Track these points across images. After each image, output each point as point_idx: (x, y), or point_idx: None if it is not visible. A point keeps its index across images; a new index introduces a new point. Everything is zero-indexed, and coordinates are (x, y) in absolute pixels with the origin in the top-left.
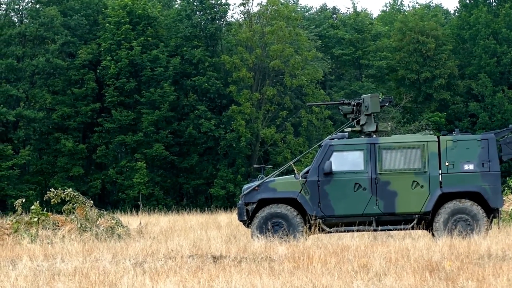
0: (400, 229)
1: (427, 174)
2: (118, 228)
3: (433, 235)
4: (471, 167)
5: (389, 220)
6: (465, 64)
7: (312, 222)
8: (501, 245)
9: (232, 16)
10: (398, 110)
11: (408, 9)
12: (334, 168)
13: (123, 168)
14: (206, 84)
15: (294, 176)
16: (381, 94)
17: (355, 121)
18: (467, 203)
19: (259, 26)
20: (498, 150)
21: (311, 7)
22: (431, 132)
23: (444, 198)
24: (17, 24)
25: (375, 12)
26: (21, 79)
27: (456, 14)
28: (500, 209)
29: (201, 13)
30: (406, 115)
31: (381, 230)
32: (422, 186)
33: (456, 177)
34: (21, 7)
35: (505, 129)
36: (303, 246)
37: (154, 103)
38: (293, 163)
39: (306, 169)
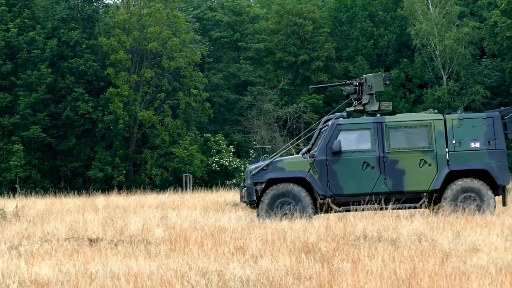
0: (409, 208)
1: (434, 153)
2: None
3: (448, 211)
4: (477, 145)
5: (398, 198)
6: (342, 46)
7: (321, 201)
8: (377, 227)
9: None
10: (276, 92)
11: None
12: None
13: (0, 151)
14: (83, 67)
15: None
16: (381, 72)
17: (356, 102)
18: (475, 181)
19: (136, 8)
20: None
21: None
22: (436, 111)
23: (452, 176)
24: None
25: None
26: None
27: None
28: (506, 186)
29: None
30: (284, 97)
31: (390, 209)
32: (429, 165)
33: (463, 155)
34: None
35: (509, 107)
36: (179, 228)
37: (31, 85)
38: (288, 146)
39: (305, 149)
